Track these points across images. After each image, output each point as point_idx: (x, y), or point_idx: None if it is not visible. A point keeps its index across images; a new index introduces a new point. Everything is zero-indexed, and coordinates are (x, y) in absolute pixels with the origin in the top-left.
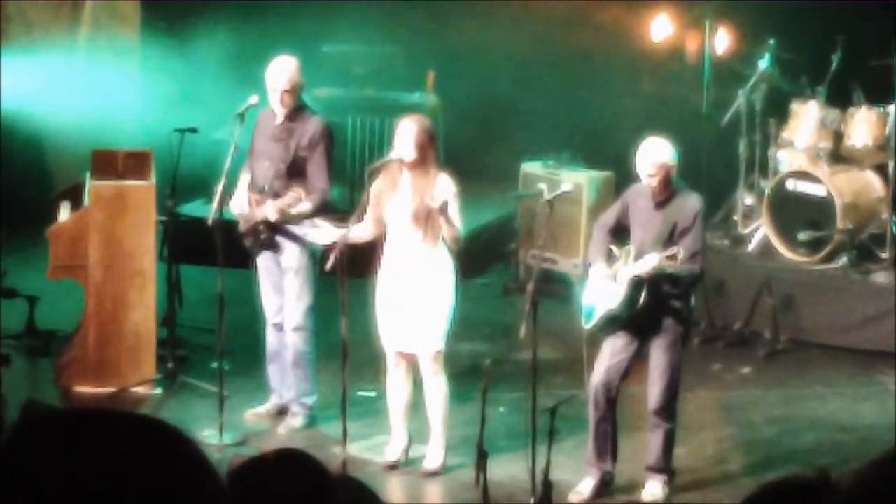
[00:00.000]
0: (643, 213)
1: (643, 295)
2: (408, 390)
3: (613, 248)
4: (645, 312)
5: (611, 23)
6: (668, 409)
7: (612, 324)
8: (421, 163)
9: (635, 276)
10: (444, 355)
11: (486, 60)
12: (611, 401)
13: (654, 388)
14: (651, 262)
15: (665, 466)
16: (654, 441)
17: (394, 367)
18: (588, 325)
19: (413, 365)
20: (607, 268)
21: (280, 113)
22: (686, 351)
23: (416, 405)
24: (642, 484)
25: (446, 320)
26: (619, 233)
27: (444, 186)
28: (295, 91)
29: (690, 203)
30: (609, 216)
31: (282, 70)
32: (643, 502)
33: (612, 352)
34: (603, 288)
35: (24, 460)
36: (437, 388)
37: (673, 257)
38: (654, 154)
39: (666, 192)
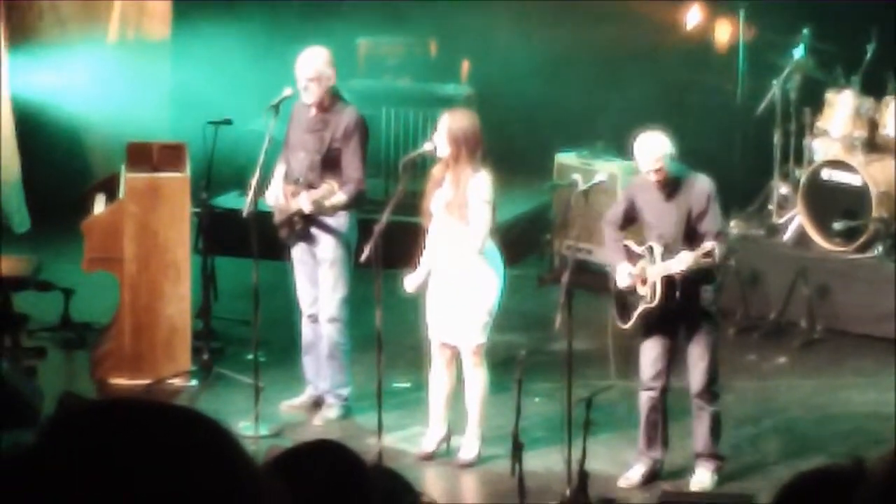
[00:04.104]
0: (654, 207)
1: (678, 291)
2: (450, 381)
3: (629, 244)
4: (679, 304)
5: (645, 13)
6: (711, 391)
7: (649, 319)
8: (455, 157)
9: (667, 276)
10: (484, 348)
11: (521, 51)
12: (662, 391)
13: (694, 372)
14: (686, 260)
15: (714, 452)
16: (699, 427)
17: (437, 358)
18: (626, 326)
19: (456, 356)
20: (633, 267)
21: (308, 103)
22: (720, 336)
23: (455, 395)
24: (691, 470)
25: (488, 314)
26: (628, 226)
27: (477, 186)
28: (321, 81)
29: (700, 186)
30: (615, 213)
31: (307, 60)
32: (689, 491)
33: (652, 345)
34: (634, 287)
35: (61, 453)
36: (477, 380)
37: (709, 254)
38: (656, 148)
39: (671, 181)
